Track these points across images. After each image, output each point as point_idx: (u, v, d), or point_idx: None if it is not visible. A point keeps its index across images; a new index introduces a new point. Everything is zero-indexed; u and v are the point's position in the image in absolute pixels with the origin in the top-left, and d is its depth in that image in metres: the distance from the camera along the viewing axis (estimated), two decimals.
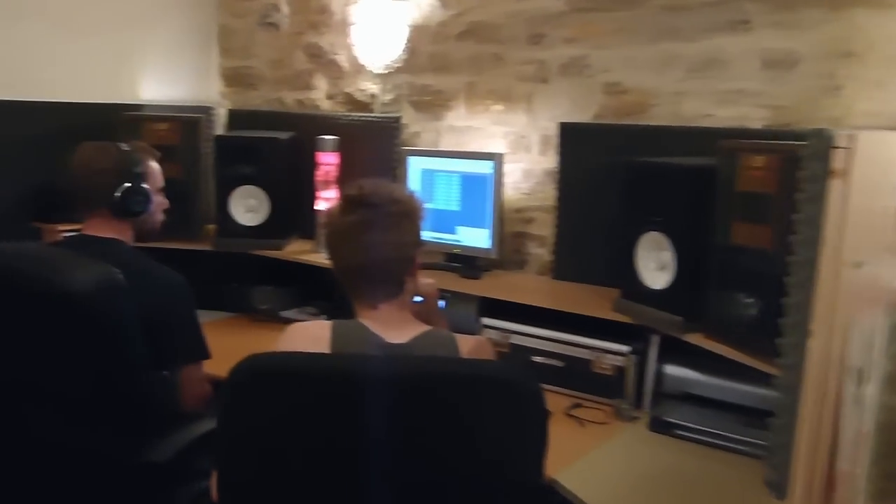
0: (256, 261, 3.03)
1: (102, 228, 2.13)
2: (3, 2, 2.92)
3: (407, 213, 1.63)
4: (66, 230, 2.85)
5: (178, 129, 3.11)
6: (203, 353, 2.11)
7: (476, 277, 2.69)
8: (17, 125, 2.97)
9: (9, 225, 2.97)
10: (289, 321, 3.06)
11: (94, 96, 3.20)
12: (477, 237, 2.70)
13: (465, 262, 2.74)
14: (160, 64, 3.49)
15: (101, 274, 1.76)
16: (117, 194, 2.10)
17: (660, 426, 2.05)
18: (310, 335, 1.59)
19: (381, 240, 1.59)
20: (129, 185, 2.12)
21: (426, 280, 1.90)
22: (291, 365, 1.31)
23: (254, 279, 3.12)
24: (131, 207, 2.12)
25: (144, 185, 2.16)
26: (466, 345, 1.60)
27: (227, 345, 2.23)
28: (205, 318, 3.04)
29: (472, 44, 2.91)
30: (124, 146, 2.18)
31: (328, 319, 1.65)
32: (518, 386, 1.27)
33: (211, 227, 3.14)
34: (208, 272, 3.15)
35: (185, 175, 3.07)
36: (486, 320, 2.48)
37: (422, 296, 1.87)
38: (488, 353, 1.65)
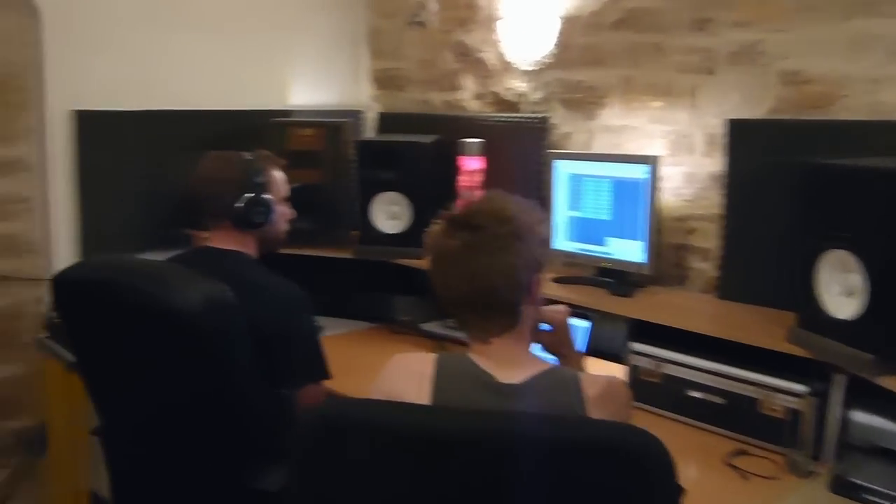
0: (398, 269, 2.90)
1: (225, 240, 2.06)
2: (153, 12, 2.96)
3: (517, 234, 1.40)
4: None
5: (322, 135, 3.05)
6: (322, 373, 1.99)
7: (627, 295, 2.41)
8: (168, 134, 3.00)
9: (161, 231, 3.01)
10: (430, 335, 3.05)
11: (243, 103, 3.20)
12: (629, 249, 2.42)
13: (616, 278, 2.46)
14: (310, 68, 3.44)
15: (210, 292, 1.67)
16: (239, 205, 2.01)
17: (844, 488, 1.69)
18: (412, 371, 1.40)
19: (487, 265, 1.37)
20: (251, 195, 2.02)
21: (555, 307, 1.66)
22: (370, 418, 1.12)
23: (395, 288, 2.99)
24: (252, 218, 2.03)
25: (266, 196, 2.06)
26: (593, 387, 1.35)
27: (365, 357, 2.16)
28: (344, 327, 3.01)
29: (628, 33, 2.62)
30: (247, 155, 2.09)
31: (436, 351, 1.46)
32: (645, 456, 1.01)
33: (356, 233, 3.05)
34: (349, 280, 3.07)
35: (329, 181, 3.00)
36: (637, 345, 2.20)
37: (549, 324, 1.63)
38: (621, 400, 1.39)
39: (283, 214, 2.15)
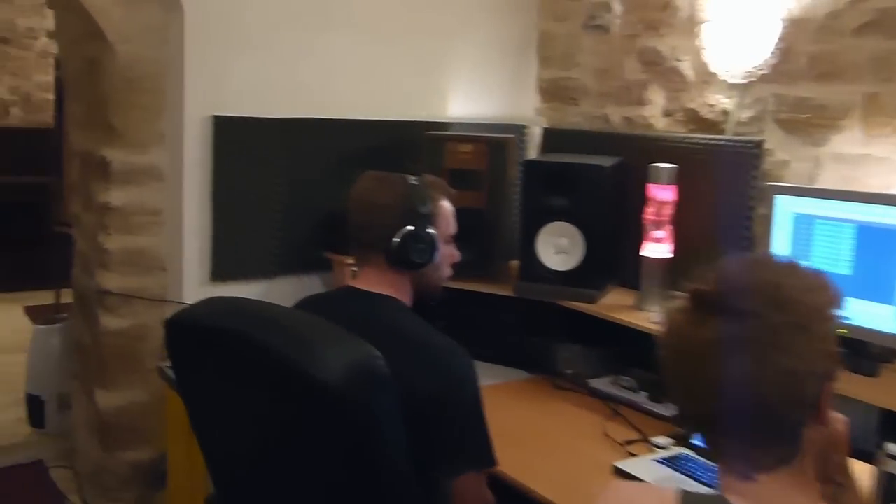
0: (564, 313, 2.46)
1: (376, 280, 1.69)
2: (302, 11, 2.65)
3: (802, 324, 0.95)
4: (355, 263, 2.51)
5: (483, 152, 2.65)
6: (488, 460, 1.58)
7: (872, 374, 1.88)
8: (312, 145, 2.69)
9: (299, 253, 2.70)
10: (600, 394, 2.42)
11: (396, 113, 2.85)
12: (877, 315, 1.88)
13: (858, 351, 1.92)
14: (470, 76, 3.06)
15: (356, 358, 1.30)
16: (395, 239, 1.63)
17: None
18: None
19: (758, 371, 0.93)
20: (411, 228, 1.64)
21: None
22: None
23: (559, 335, 2.55)
24: (410, 257, 1.65)
25: (430, 230, 1.67)
26: None
27: (526, 419, 2.01)
28: (496, 376, 2.54)
29: (876, 39, 2.08)
30: (411, 179, 1.71)
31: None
32: None
33: (513, 263, 2.64)
34: (505, 321, 2.65)
35: (489, 205, 2.60)
36: (893, 446, 1.66)
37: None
38: None
39: (447, 256, 1.76)
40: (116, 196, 2.53)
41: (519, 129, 3.02)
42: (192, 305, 1.58)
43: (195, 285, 2.57)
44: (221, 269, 2.58)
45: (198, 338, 1.50)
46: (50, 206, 5.04)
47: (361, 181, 1.73)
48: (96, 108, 2.62)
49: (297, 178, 2.67)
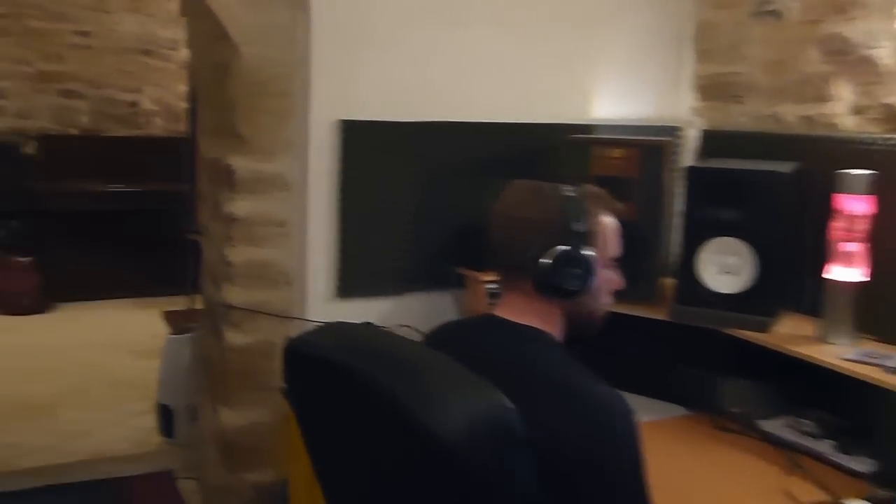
0: (730, 342, 2.14)
1: (520, 309, 1.44)
2: (435, 5, 2.44)
3: None
4: (492, 281, 2.28)
5: (635, 157, 2.37)
6: None
7: None
8: (444, 151, 2.48)
9: (430, 269, 2.50)
10: (771, 438, 2.01)
11: (536, 115, 2.61)
12: None
13: None
14: (617, 74, 2.78)
15: (483, 413, 1.07)
16: (545, 261, 1.38)
17: None
18: None
19: None
20: (565, 248, 1.38)
21: None
22: None
23: (722, 367, 2.22)
24: (561, 283, 1.39)
25: (588, 252, 1.40)
26: None
27: (679, 461, 1.78)
28: (649, 411, 2.17)
29: None
30: (568, 190, 1.44)
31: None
32: None
33: (668, 281, 2.34)
34: (660, 349, 2.34)
35: (642, 217, 2.31)
36: None
37: None
38: None
39: (607, 281, 1.48)
40: (241, 206, 2.40)
41: (671, 132, 2.71)
42: (314, 332, 1.39)
43: (320, 301, 2.41)
44: (348, 285, 2.41)
45: (318, 370, 1.31)
46: (184, 212, 5.10)
47: (507, 192, 1.48)
48: (224, 114, 2.51)
49: (429, 187, 2.46)
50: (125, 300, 6.11)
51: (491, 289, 2.34)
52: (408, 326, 2.40)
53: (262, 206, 2.42)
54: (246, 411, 2.52)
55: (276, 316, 2.46)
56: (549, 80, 2.66)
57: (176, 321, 5.46)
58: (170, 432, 3.52)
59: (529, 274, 1.40)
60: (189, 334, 3.50)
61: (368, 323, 2.22)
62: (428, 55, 2.45)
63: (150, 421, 3.66)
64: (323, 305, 2.40)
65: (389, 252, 2.43)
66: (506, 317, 1.44)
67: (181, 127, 6.06)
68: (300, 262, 2.43)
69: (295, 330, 2.47)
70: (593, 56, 2.73)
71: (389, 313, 2.47)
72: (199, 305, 4.18)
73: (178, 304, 5.82)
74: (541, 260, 1.38)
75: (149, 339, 5.15)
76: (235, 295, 2.45)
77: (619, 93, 2.79)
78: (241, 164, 2.40)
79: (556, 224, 1.39)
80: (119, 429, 3.74)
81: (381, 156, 2.39)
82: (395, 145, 2.40)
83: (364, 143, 2.36)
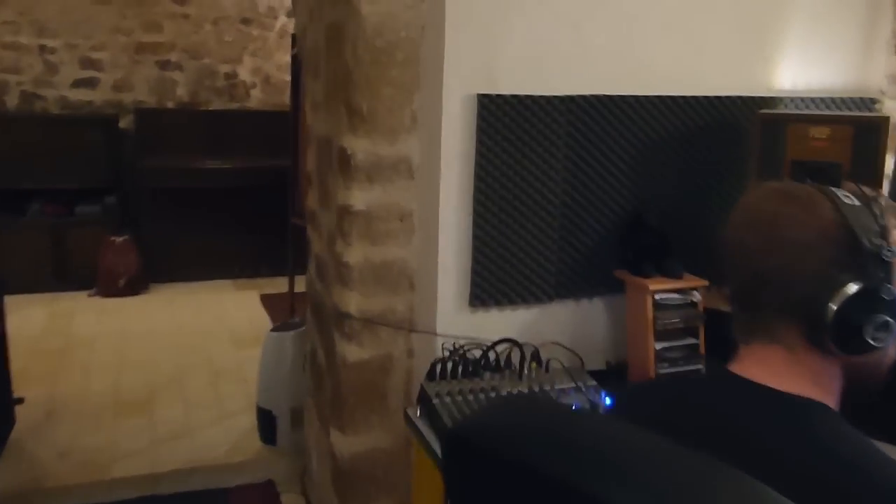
0: None
1: (777, 365, 0.99)
2: None
3: None
4: (663, 290, 1.85)
5: (846, 137, 1.89)
6: None
7: None
8: (601, 130, 2.04)
9: (581, 271, 2.07)
10: None
11: (712, 86, 2.14)
12: None
13: None
14: (800, 35, 2.27)
15: None
16: (831, 305, 0.93)
17: None
18: None
19: None
20: (859, 286, 0.93)
21: None
22: None
23: None
24: (857, 336, 0.94)
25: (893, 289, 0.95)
26: None
27: None
28: None
29: None
30: (848, 197, 0.98)
31: None
32: None
33: None
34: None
35: None
36: None
37: None
38: None
39: None
40: (359, 197, 2.03)
41: (866, 105, 2.20)
42: (482, 415, 1.00)
43: (451, 310, 2.02)
44: (483, 291, 2.01)
45: (493, 469, 0.90)
46: (286, 193, 4.79)
47: (755, 197, 1.04)
48: (337, 85, 2.13)
49: (583, 175, 2.03)
50: (223, 281, 5.91)
51: (663, 300, 1.91)
52: (558, 344, 1.99)
53: (383, 197, 2.04)
54: (361, 437, 2.16)
55: (399, 329, 2.08)
56: (728, 44, 2.18)
57: (275, 306, 5.21)
58: (271, 438, 3.22)
59: (801, 320, 0.96)
60: (292, 331, 3.17)
61: (540, 391, 1.83)
62: (584, 18, 2.01)
63: (250, 421, 3.37)
64: (453, 315, 2.01)
65: (534, 251, 2.02)
66: (756, 378, 1.00)
67: (283, 100, 5.78)
68: (427, 263, 2.05)
69: (419, 343, 2.09)
70: (778, 15, 2.23)
71: (533, 326, 2.06)
72: (300, 289, 3.89)
73: (278, 286, 5.59)
74: (824, 303, 0.93)
75: (247, 325, 4.92)
76: (351, 302, 2.08)
77: (804, 59, 2.29)
78: (358, 145, 2.01)
79: (840, 250, 0.94)
80: (217, 430, 3.46)
81: (525, 136, 1.96)
82: (543, 124, 1.97)
83: (506, 121, 1.94)
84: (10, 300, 3.36)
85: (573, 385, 1.90)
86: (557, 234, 2.03)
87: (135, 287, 5.60)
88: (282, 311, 4.87)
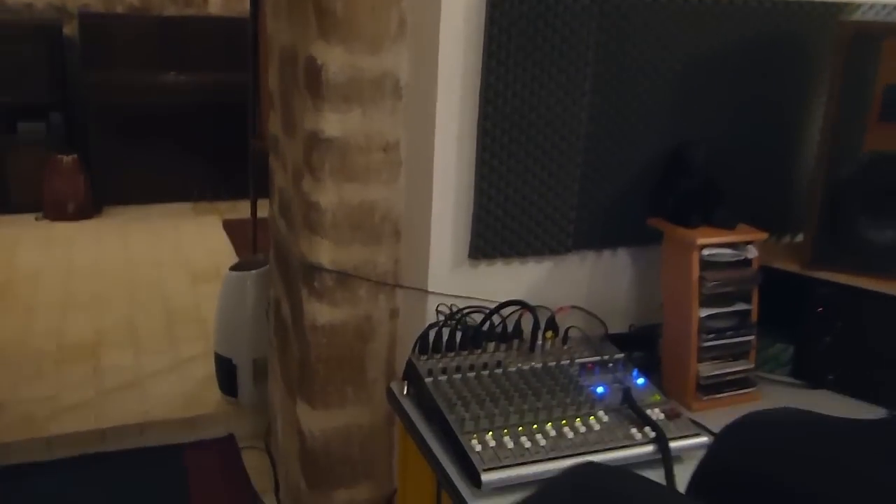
0: None
1: None
2: None
3: None
4: (713, 244, 1.49)
5: None
6: None
7: None
8: (637, 43, 1.62)
9: (603, 217, 1.69)
10: None
11: None
12: None
13: None
14: None
15: None
16: None
17: None
18: None
19: None
20: None
21: None
22: None
23: None
24: None
25: None
26: None
27: None
28: None
29: None
30: None
31: None
32: None
33: None
34: None
35: None
36: None
37: None
38: None
39: None
40: (332, 121, 1.61)
41: None
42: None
43: (446, 263, 1.63)
44: (486, 242, 1.61)
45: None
46: (248, 111, 4.31)
47: None
48: None
49: (615, 98, 1.62)
50: (181, 205, 5.46)
51: (710, 256, 1.53)
52: (580, 308, 1.62)
53: (362, 122, 1.63)
54: (334, 412, 1.80)
55: (383, 284, 1.70)
56: None
57: (239, 234, 4.79)
58: (231, 390, 2.85)
59: None
60: (254, 271, 2.77)
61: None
62: None
63: (209, 369, 3.01)
64: (449, 270, 1.62)
65: (550, 193, 1.62)
66: None
67: (245, 6, 5.22)
68: (417, 205, 1.65)
69: (406, 303, 1.72)
70: None
71: (544, 283, 1.68)
72: (264, 210, 3.47)
73: (241, 211, 5.15)
74: None
75: (207, 256, 4.51)
76: (322, 251, 1.68)
77: None
78: (331, 56, 1.58)
79: None
80: (172, 379, 3.09)
81: (546, 47, 1.54)
82: (569, 29, 1.55)
83: (523, 26, 1.51)
84: None
85: (598, 359, 1.55)
86: (580, 170, 1.64)
87: (85, 211, 5.14)
88: (246, 240, 4.46)
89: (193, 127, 5.32)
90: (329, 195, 1.65)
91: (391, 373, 1.80)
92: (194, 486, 2.56)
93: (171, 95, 5.19)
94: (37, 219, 5.09)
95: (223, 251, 4.54)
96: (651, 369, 1.58)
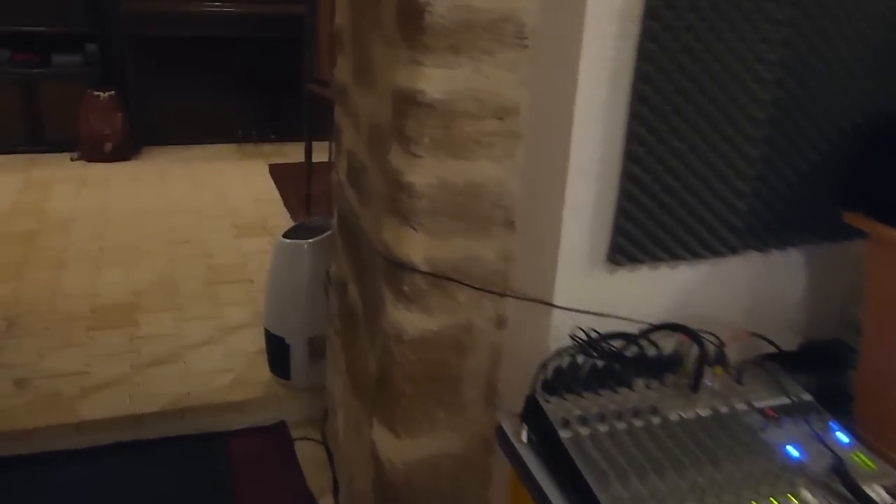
0: None
1: None
2: None
3: None
4: None
5: None
6: None
7: None
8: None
9: (793, 210, 1.29)
10: None
11: None
12: None
13: None
14: None
15: None
16: None
17: None
18: None
19: None
20: None
21: None
22: None
23: None
24: None
25: None
26: None
27: None
28: None
29: None
30: None
31: None
32: None
33: None
34: None
35: None
36: None
37: None
38: None
39: None
40: (436, 80, 1.22)
41: None
42: None
43: (578, 266, 1.24)
44: (631, 240, 1.23)
45: None
46: (303, 49, 3.89)
47: None
48: None
49: (806, 62, 1.21)
50: (224, 146, 5.12)
51: None
52: (760, 337, 1.24)
53: (473, 79, 1.23)
54: (422, 439, 1.45)
55: (486, 292, 1.33)
56: None
57: (287, 181, 4.43)
58: (284, 371, 2.53)
59: None
60: (310, 240, 2.42)
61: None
62: None
63: (257, 342, 2.69)
64: (584, 276, 1.24)
65: (719, 179, 1.22)
66: None
67: None
68: (542, 190, 1.26)
69: (520, 311, 1.35)
70: None
71: (698, 295, 1.30)
72: (321, 154, 3.12)
73: (289, 155, 4.79)
74: None
75: (253, 205, 4.17)
76: (416, 246, 1.31)
77: None
78: None
79: None
80: (216, 353, 2.77)
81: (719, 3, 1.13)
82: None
83: None
84: None
85: (781, 403, 1.17)
86: (759, 152, 1.23)
87: (122, 152, 4.81)
88: (295, 189, 4.11)
89: (239, 62, 4.95)
90: (427, 175, 1.27)
91: (492, 392, 1.44)
92: (241, 481, 2.26)
93: (215, 26, 4.79)
94: (72, 159, 4.80)
95: (270, 200, 4.19)
96: (831, 400, 1.21)
